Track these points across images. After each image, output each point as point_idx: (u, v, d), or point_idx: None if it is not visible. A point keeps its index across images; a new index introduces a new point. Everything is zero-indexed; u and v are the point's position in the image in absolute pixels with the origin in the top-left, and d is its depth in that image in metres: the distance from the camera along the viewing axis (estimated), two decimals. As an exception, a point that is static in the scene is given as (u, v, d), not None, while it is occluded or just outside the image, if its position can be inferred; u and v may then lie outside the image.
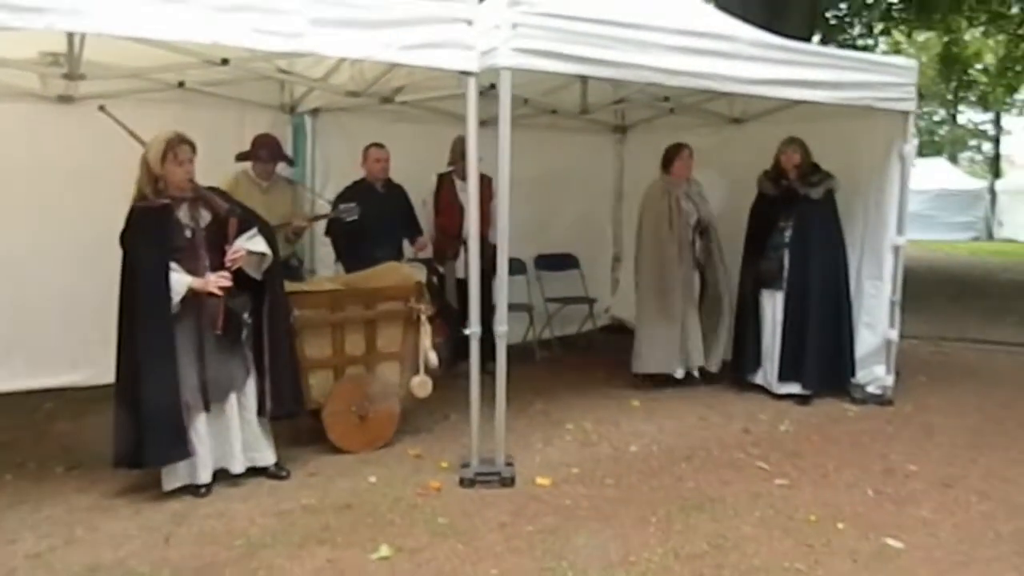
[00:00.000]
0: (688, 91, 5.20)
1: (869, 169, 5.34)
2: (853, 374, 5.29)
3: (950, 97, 25.81)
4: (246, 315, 3.65)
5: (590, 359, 6.35)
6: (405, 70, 4.61)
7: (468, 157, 3.76)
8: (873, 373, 5.31)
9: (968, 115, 28.49)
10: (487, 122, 3.74)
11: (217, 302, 3.55)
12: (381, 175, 5.47)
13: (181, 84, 5.12)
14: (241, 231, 3.64)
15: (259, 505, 3.57)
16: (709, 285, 5.53)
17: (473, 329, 3.79)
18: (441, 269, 5.70)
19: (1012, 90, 20.35)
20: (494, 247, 4.66)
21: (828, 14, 14.15)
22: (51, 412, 4.88)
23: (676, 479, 3.94)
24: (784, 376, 5.25)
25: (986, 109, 25.53)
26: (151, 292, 3.46)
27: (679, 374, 5.45)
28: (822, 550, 3.21)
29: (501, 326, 3.81)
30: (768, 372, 5.33)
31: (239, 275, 3.61)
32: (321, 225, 5.59)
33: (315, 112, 5.97)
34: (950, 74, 21.02)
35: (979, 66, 21.30)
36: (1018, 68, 17.72)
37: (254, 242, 3.64)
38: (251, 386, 3.75)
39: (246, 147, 5.09)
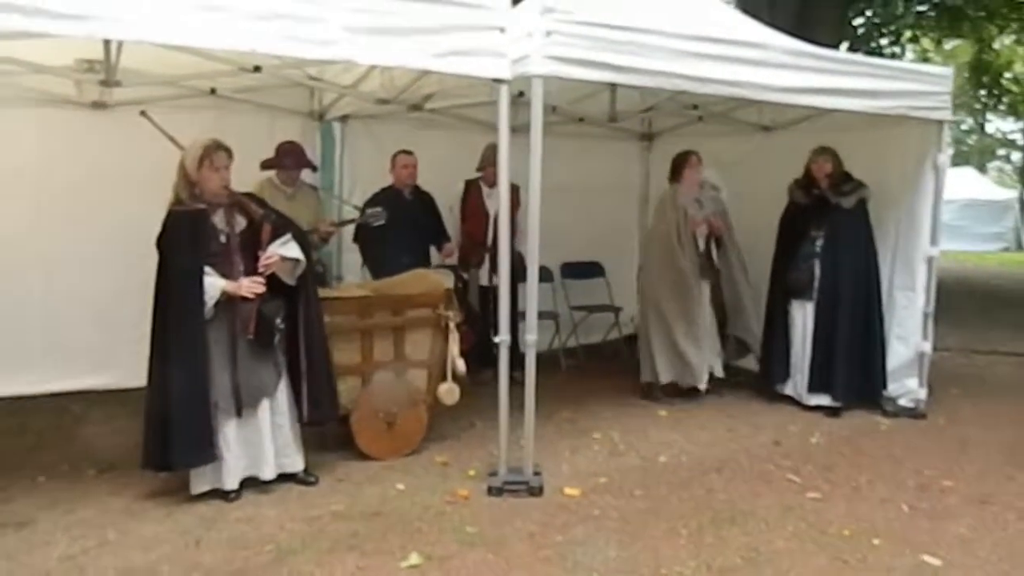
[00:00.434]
0: (717, 99, 5.15)
1: (901, 179, 5.27)
2: (885, 386, 5.21)
3: (978, 106, 25.47)
4: (279, 320, 3.66)
5: (616, 368, 6.31)
6: (436, 77, 4.60)
7: (499, 165, 3.75)
8: (905, 386, 5.22)
9: (996, 124, 28.12)
10: (516, 129, 3.74)
11: (250, 307, 3.57)
12: (409, 181, 5.49)
13: (213, 91, 5.18)
14: (275, 237, 3.66)
15: (288, 511, 3.57)
16: (724, 294, 5.45)
17: (503, 337, 3.77)
18: (466, 276, 5.70)
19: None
20: (520, 254, 4.67)
21: (856, 22, 14.03)
22: (81, 414, 4.93)
23: (706, 491, 3.90)
24: (814, 387, 5.18)
25: (1017, 118, 25.16)
26: (185, 295, 3.48)
27: (701, 385, 5.37)
28: (858, 566, 3.16)
29: (531, 335, 3.79)
30: (798, 383, 5.27)
31: (272, 281, 3.63)
32: (348, 231, 5.62)
33: (344, 119, 6.00)
34: (980, 83, 20.71)
35: (1008, 75, 21.00)
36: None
37: (288, 248, 3.66)
38: (283, 391, 3.76)
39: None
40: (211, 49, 3.59)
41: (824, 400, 5.16)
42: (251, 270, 3.61)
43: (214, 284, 3.51)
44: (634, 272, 7.43)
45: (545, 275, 6.13)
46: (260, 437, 3.69)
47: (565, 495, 3.80)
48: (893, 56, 14.89)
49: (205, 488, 3.63)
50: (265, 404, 3.70)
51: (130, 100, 4.87)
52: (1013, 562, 3.21)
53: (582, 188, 6.66)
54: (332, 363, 3.92)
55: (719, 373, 5.52)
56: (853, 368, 5.11)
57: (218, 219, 3.62)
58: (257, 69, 4.55)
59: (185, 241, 3.52)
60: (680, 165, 5.42)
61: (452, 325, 4.28)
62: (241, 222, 3.66)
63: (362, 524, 3.45)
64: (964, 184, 19.86)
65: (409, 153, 5.48)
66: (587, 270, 6.86)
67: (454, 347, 4.27)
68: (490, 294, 5.47)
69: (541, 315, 4.36)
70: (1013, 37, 16.98)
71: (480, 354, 5.21)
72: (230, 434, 3.62)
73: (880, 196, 5.20)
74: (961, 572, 3.12)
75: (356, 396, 4.17)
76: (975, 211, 19.83)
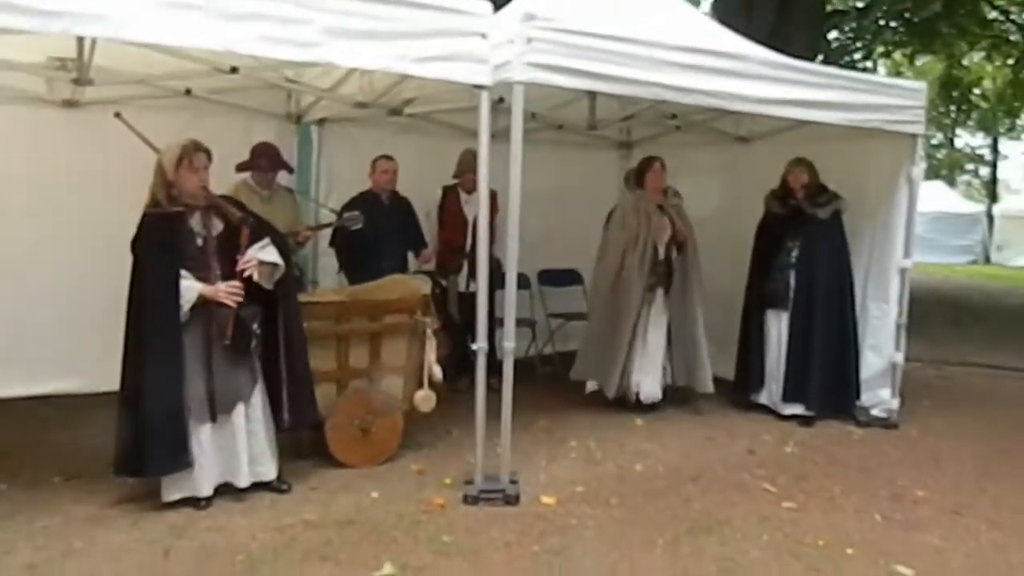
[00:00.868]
0: (696, 109, 5.17)
1: (876, 191, 5.34)
2: (858, 396, 5.26)
3: (948, 121, 25.99)
4: (255, 326, 3.61)
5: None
6: (416, 82, 4.56)
7: (479, 171, 3.72)
8: (878, 396, 5.28)
9: (965, 139, 28.70)
10: (495, 136, 3.71)
11: (227, 311, 3.51)
12: (388, 187, 5.46)
13: (188, 91, 5.10)
14: (253, 241, 3.61)
15: (260, 519, 3.51)
16: (680, 303, 5.29)
17: (481, 344, 3.75)
18: (444, 282, 5.67)
19: (1014, 115, 20.49)
20: (498, 261, 4.65)
21: (830, 36, 14.24)
22: (48, 419, 4.81)
23: (683, 500, 3.89)
24: (788, 397, 5.22)
25: (986, 133, 25.71)
26: (160, 299, 3.42)
27: (643, 393, 5.26)
28: (832, 576, 3.17)
29: (509, 342, 3.76)
30: (773, 392, 5.30)
31: (250, 285, 3.57)
32: (324, 236, 5.56)
33: (321, 122, 5.96)
34: (950, 98, 21.14)
35: (977, 90, 21.46)
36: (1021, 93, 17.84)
37: (266, 252, 3.61)
38: (258, 397, 3.70)
39: (252, 156, 5.07)
40: (187, 48, 3.53)
41: (798, 409, 5.19)
42: (228, 274, 3.54)
43: (191, 287, 3.44)
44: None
45: (522, 282, 6.11)
46: (235, 443, 3.63)
47: (542, 504, 3.77)
48: (865, 71, 15.15)
49: (177, 496, 3.55)
50: (240, 410, 3.63)
51: (103, 99, 4.78)
52: (985, 572, 3.24)
53: (559, 195, 6.66)
54: (310, 369, 3.86)
55: (701, 388, 5.33)
56: (827, 378, 5.15)
57: (195, 222, 3.55)
58: (234, 70, 4.49)
59: (161, 243, 3.45)
60: (643, 170, 5.32)
61: (429, 332, 4.24)
62: (218, 225, 3.60)
63: (336, 533, 3.39)
64: (934, 197, 20.22)
65: (390, 158, 5.45)
66: (564, 277, 6.86)
67: (431, 354, 4.22)
68: (467, 301, 5.44)
69: (518, 322, 4.36)
70: (983, 54, 17.35)
71: (457, 361, 5.18)
72: (204, 440, 3.55)
73: (855, 207, 5.26)
74: (934, 582, 3.15)
75: (331, 403, 4.11)
76: (944, 224, 20.20)
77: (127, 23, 2.83)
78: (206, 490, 3.57)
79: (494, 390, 3.79)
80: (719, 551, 3.35)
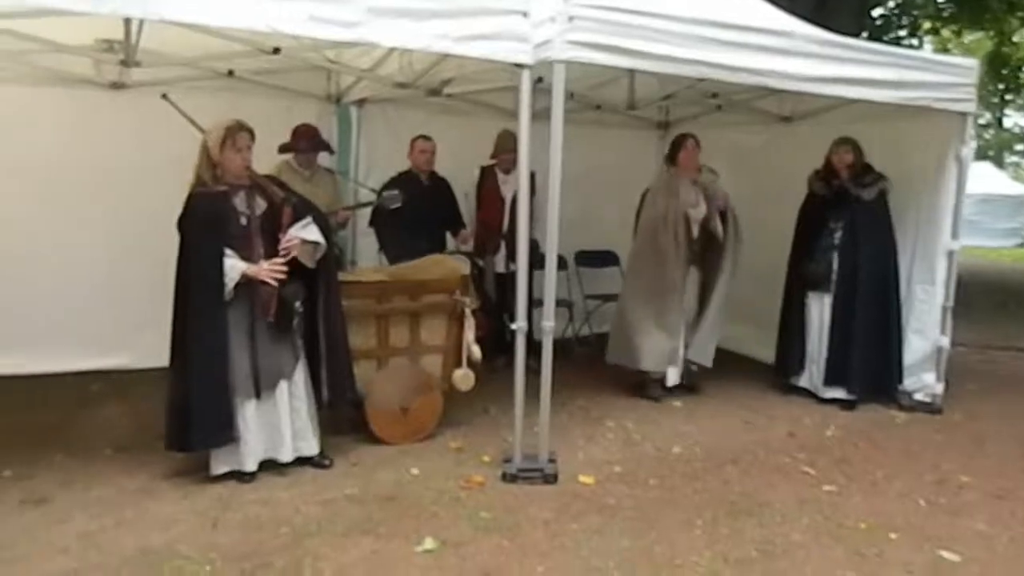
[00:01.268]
0: (738, 88, 5.10)
1: (923, 171, 5.20)
2: (901, 381, 5.17)
3: (996, 100, 25.21)
4: (298, 304, 3.66)
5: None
6: (455, 62, 4.59)
7: (520, 151, 3.72)
8: (922, 380, 5.19)
9: (1014, 118, 27.86)
10: (533, 116, 3.70)
11: (270, 289, 3.56)
12: (426, 167, 5.48)
13: (231, 73, 5.16)
14: (295, 220, 3.66)
15: (303, 493, 3.58)
16: (712, 282, 5.19)
17: (520, 324, 3.76)
18: (481, 262, 5.69)
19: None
20: (535, 241, 4.65)
21: (875, 12, 13.86)
22: (98, 394, 4.96)
23: (721, 482, 3.88)
24: (829, 380, 5.15)
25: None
26: (205, 277, 3.48)
27: (671, 379, 5.20)
28: (875, 560, 3.14)
29: (548, 322, 3.77)
30: (813, 375, 5.24)
31: (292, 264, 3.62)
32: (363, 216, 5.61)
33: (361, 103, 5.98)
34: (998, 76, 20.48)
35: (1029, 68, 20.76)
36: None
37: (308, 231, 3.65)
38: (300, 374, 3.77)
39: (292, 136, 5.12)
40: (233, 29, 3.56)
41: (839, 393, 5.13)
42: (271, 252, 3.60)
43: (234, 266, 3.50)
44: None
45: (560, 263, 6.09)
46: (278, 419, 3.70)
47: (580, 483, 3.79)
48: (911, 48, 14.74)
49: (224, 469, 3.65)
50: (283, 386, 3.70)
51: (148, 81, 4.88)
52: (1031, 558, 3.19)
53: (597, 176, 6.62)
54: (349, 347, 3.91)
55: (705, 361, 5.26)
56: (869, 361, 5.07)
57: (239, 201, 3.60)
58: (276, 51, 4.53)
59: (206, 223, 3.51)
60: (676, 148, 5.22)
61: (468, 311, 4.27)
62: (261, 204, 3.65)
63: (377, 508, 3.45)
64: (981, 178, 19.67)
65: (427, 138, 5.47)
66: (601, 259, 6.82)
67: (469, 333, 4.25)
68: (505, 281, 5.46)
69: (556, 303, 4.35)
70: (1034, 30, 16.75)
71: (493, 341, 5.21)
72: (249, 416, 3.62)
73: (901, 188, 5.14)
74: (979, 567, 3.10)
75: (371, 381, 4.17)
76: (992, 206, 19.61)
77: (176, 5, 2.87)
78: (251, 465, 3.66)
79: (532, 370, 3.80)
80: (759, 533, 3.34)
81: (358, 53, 4.97)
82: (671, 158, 5.28)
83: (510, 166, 5.58)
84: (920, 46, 15.81)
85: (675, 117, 7.08)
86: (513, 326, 3.80)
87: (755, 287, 5.79)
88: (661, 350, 5.11)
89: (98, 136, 5.09)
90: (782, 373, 5.44)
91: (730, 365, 5.67)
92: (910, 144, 5.23)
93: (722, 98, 5.98)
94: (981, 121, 26.67)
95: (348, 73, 5.42)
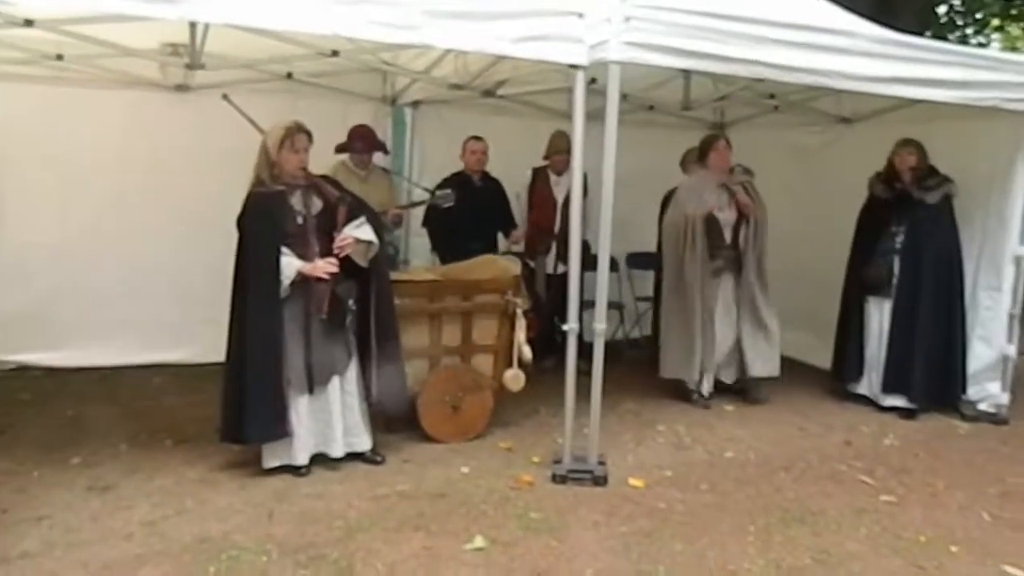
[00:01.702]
0: (795, 88, 5.00)
1: (990, 174, 5.03)
2: (964, 390, 5.00)
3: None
4: (351, 301, 3.72)
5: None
6: (510, 63, 4.61)
7: (574, 152, 3.71)
8: (986, 390, 5.01)
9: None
10: (586, 117, 3.69)
11: (324, 287, 3.63)
12: (478, 167, 5.52)
13: (289, 75, 5.28)
14: (349, 219, 3.72)
15: (356, 488, 3.64)
16: (747, 287, 5.05)
17: (571, 325, 3.75)
18: (532, 263, 5.70)
19: None
20: (586, 243, 4.64)
21: (940, 10, 13.45)
22: (160, 387, 5.12)
23: (775, 489, 3.82)
24: (889, 388, 5.01)
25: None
26: (262, 275, 3.57)
27: (705, 387, 5.09)
28: (935, 573, 3.05)
29: (600, 323, 3.76)
30: (872, 382, 5.11)
31: (345, 262, 3.69)
32: (416, 216, 5.67)
33: (415, 104, 6.05)
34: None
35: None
36: None
37: (362, 230, 3.71)
38: (353, 371, 3.83)
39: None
40: (294, 33, 3.65)
41: (899, 401, 4.99)
42: (326, 251, 3.67)
43: (290, 264, 3.58)
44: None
45: (612, 265, 6.06)
46: (330, 415, 3.77)
47: (630, 486, 3.77)
48: (979, 46, 14.25)
49: (276, 463, 3.73)
50: (336, 383, 3.77)
51: (211, 84, 5.02)
52: (1103, 578, 3.06)
53: (649, 178, 6.54)
54: (401, 345, 3.95)
55: (760, 372, 5.12)
56: (931, 369, 4.92)
57: (296, 200, 3.68)
58: (335, 54, 4.62)
59: (264, 221, 3.60)
60: (706, 149, 5.11)
61: (519, 312, 4.28)
62: (317, 204, 3.72)
63: (428, 505, 3.49)
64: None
65: (479, 139, 5.51)
66: (652, 261, 6.74)
67: (520, 334, 4.26)
68: (555, 282, 5.46)
69: (607, 305, 4.34)
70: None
71: (543, 342, 5.20)
72: (302, 411, 3.70)
73: (966, 191, 4.97)
74: (1046, 585, 3.00)
75: (423, 379, 4.21)
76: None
77: (243, 10, 2.95)
78: (302, 459, 3.73)
79: (582, 372, 3.80)
80: (813, 542, 3.27)
81: (414, 55, 5.03)
82: (700, 158, 5.18)
83: (562, 167, 5.58)
84: (987, 44, 15.27)
85: (730, 118, 6.97)
86: (564, 327, 3.80)
87: (813, 291, 5.68)
88: (683, 358, 4.99)
89: (163, 137, 5.27)
90: (839, 379, 5.31)
91: (786, 371, 5.54)
92: (976, 146, 5.05)
93: (779, 98, 5.87)
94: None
95: (403, 75, 5.48)
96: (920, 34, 9.33)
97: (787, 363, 5.81)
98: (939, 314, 4.92)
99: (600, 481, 3.76)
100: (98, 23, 3.89)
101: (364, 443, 3.91)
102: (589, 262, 4.60)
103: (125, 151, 5.24)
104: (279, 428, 3.64)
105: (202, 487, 3.61)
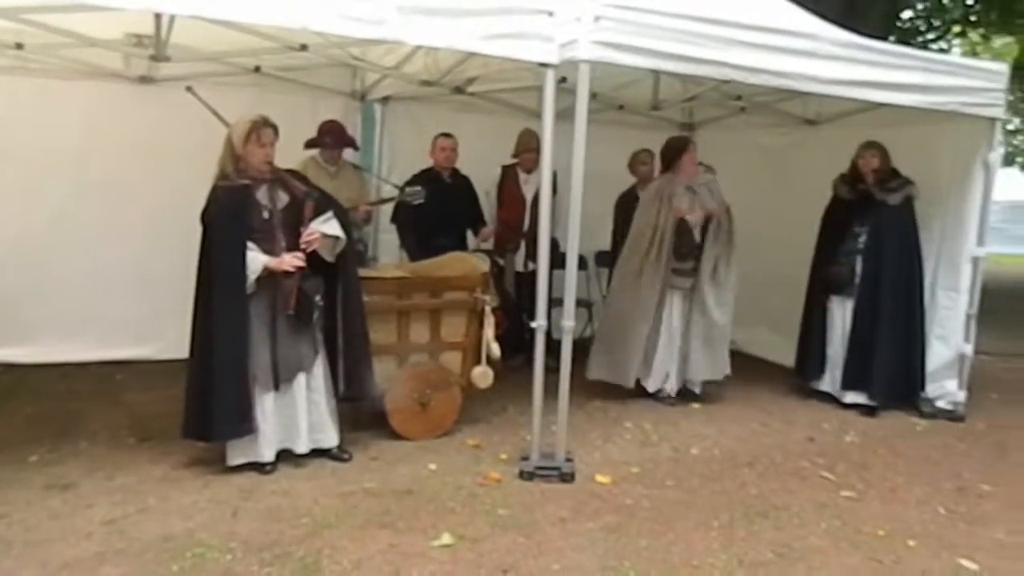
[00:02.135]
0: (762, 90, 5.08)
1: (949, 177, 5.16)
2: (923, 387, 5.13)
3: (1024, 105, 24.79)
4: (318, 297, 3.69)
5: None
6: (480, 61, 4.59)
7: (543, 150, 3.73)
8: (944, 387, 5.14)
9: (1044, 125, 27.36)
10: (556, 116, 3.71)
11: (291, 283, 3.60)
12: (448, 164, 5.50)
13: (257, 69, 5.22)
14: (317, 214, 3.69)
15: (322, 486, 3.62)
16: (710, 288, 5.02)
17: (540, 323, 3.77)
18: (501, 261, 5.71)
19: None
20: (555, 241, 4.65)
21: (904, 15, 13.72)
22: (122, 383, 5.04)
23: (739, 485, 3.87)
24: (850, 385, 5.11)
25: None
26: (228, 269, 3.52)
27: (670, 386, 5.13)
28: (892, 567, 3.12)
29: (568, 321, 3.78)
30: (834, 380, 5.20)
31: (312, 258, 3.66)
32: (385, 212, 5.65)
33: (385, 100, 6.03)
34: (1028, 81, 20.15)
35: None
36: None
37: (329, 225, 3.69)
38: (319, 367, 3.80)
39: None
40: (262, 26, 3.61)
41: (860, 398, 5.09)
42: (293, 246, 3.63)
43: (256, 259, 3.54)
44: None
45: (580, 263, 6.07)
46: (295, 411, 3.74)
47: (597, 483, 3.80)
48: (940, 52, 14.56)
49: (241, 460, 3.69)
50: (301, 379, 3.74)
51: (176, 76, 4.94)
52: (1053, 570, 3.15)
53: (619, 177, 6.60)
54: (369, 341, 3.94)
55: (714, 376, 5.15)
56: (891, 367, 5.02)
57: (261, 195, 3.64)
58: (303, 48, 4.58)
59: (229, 216, 3.55)
60: (679, 151, 5.07)
61: (488, 309, 4.29)
62: (284, 198, 3.69)
63: (394, 502, 3.48)
64: (1009, 185, 19.40)
65: (449, 136, 5.49)
66: (620, 259, 6.80)
67: (489, 331, 4.28)
68: (524, 280, 5.47)
69: (575, 303, 4.36)
70: (1067, 35, 16.45)
71: (512, 340, 5.22)
72: (268, 407, 3.66)
73: (927, 193, 5.09)
74: (999, 577, 3.08)
75: (391, 376, 4.20)
76: (1019, 213, 19.44)
77: (209, 1, 2.91)
78: (268, 455, 3.70)
79: (550, 369, 3.81)
80: (775, 536, 3.33)
81: (383, 51, 5.00)
82: (669, 163, 5.15)
83: (531, 165, 5.59)
84: (949, 50, 15.60)
85: (698, 119, 7.05)
86: (532, 324, 3.81)
87: (776, 290, 5.78)
88: (622, 359, 5.02)
89: (126, 129, 5.18)
90: (802, 377, 5.41)
91: (750, 369, 5.65)
92: (937, 149, 5.18)
93: (746, 100, 5.96)
94: (1009, 127, 26.29)
95: (373, 71, 5.45)
96: (884, 39, 9.52)
97: (752, 361, 5.93)
98: (899, 313, 5.03)
99: (567, 478, 3.78)
100: (60, 12, 3.81)
101: (330, 439, 3.89)
102: (558, 260, 4.63)
103: (87, 144, 5.14)
104: (244, 425, 3.60)
105: (165, 485, 3.56)
